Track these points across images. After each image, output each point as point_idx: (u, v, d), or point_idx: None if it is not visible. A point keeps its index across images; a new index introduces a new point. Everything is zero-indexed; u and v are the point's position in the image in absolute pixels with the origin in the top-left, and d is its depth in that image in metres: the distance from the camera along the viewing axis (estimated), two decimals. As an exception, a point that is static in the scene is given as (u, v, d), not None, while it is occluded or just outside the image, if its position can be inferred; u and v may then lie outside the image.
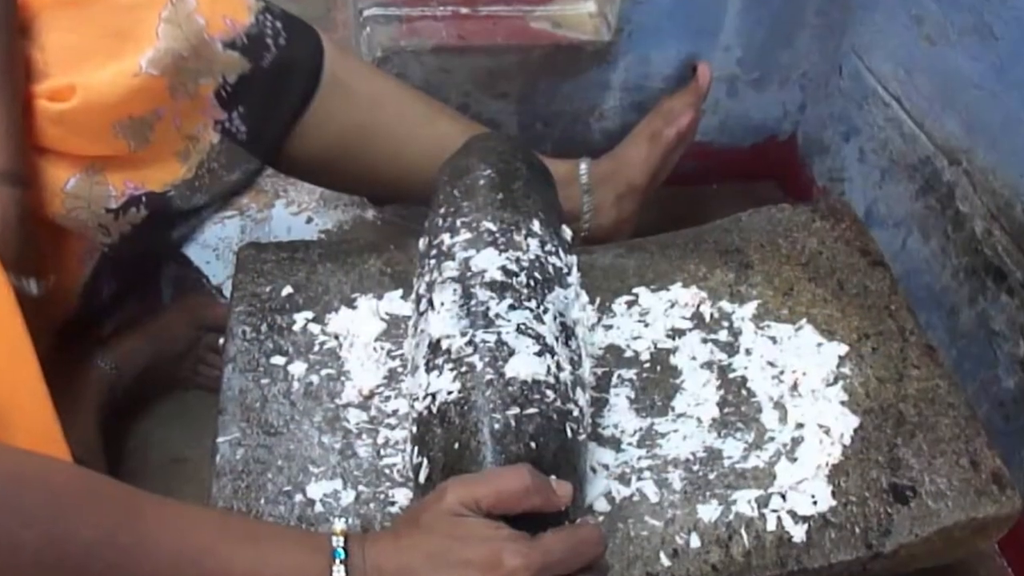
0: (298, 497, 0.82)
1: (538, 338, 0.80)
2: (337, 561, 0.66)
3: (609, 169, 1.21)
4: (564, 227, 0.96)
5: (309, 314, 0.96)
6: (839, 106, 1.38)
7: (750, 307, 0.99)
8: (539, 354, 0.79)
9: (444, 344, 0.80)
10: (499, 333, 0.79)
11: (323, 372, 0.92)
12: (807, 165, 1.49)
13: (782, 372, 0.92)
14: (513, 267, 0.85)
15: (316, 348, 0.94)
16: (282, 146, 1.08)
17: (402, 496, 0.82)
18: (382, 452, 0.86)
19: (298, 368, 0.92)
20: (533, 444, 0.74)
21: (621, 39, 1.31)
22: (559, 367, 0.80)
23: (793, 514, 0.82)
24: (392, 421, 0.88)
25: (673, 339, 0.97)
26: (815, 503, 0.82)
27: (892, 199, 1.27)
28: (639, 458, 0.86)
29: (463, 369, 0.78)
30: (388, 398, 0.90)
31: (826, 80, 1.41)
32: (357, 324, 0.95)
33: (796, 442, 0.86)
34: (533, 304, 0.83)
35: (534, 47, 1.30)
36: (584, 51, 1.31)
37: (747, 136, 1.50)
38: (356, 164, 1.12)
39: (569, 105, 1.38)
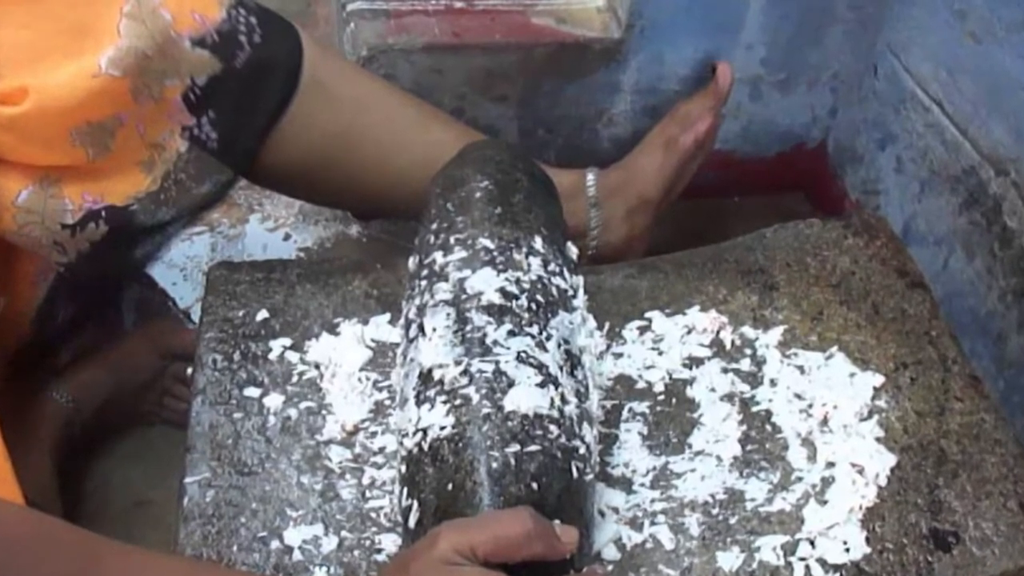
0: (275, 544, 0.82)
1: (540, 367, 0.81)
2: (317, 614, 0.67)
3: (619, 180, 1.21)
4: (569, 244, 0.97)
5: (287, 341, 0.97)
6: (874, 110, 1.39)
7: (775, 333, 0.99)
8: (541, 385, 0.79)
9: (436, 374, 0.80)
10: (497, 362, 0.80)
11: (302, 405, 0.92)
12: (838, 176, 1.49)
13: (811, 405, 0.93)
14: (513, 289, 0.85)
15: (294, 379, 0.94)
16: (257, 155, 1.08)
17: (390, 542, 0.83)
18: (367, 494, 0.86)
19: (274, 401, 0.92)
20: (535, 485, 0.75)
21: (632, 36, 1.32)
22: (564, 400, 0.80)
23: (823, 562, 0.82)
24: (379, 459, 0.88)
25: (690, 369, 0.97)
26: (847, 550, 0.82)
27: (932, 214, 1.28)
28: (652, 500, 0.87)
29: (457, 402, 0.78)
30: (374, 434, 0.90)
31: (859, 82, 1.42)
32: (340, 352, 0.96)
33: (826, 483, 0.87)
34: (535, 330, 0.83)
35: (536, 45, 1.30)
36: (591, 50, 1.32)
37: (772, 144, 1.50)
38: (339, 175, 1.13)
39: (575, 109, 1.39)
